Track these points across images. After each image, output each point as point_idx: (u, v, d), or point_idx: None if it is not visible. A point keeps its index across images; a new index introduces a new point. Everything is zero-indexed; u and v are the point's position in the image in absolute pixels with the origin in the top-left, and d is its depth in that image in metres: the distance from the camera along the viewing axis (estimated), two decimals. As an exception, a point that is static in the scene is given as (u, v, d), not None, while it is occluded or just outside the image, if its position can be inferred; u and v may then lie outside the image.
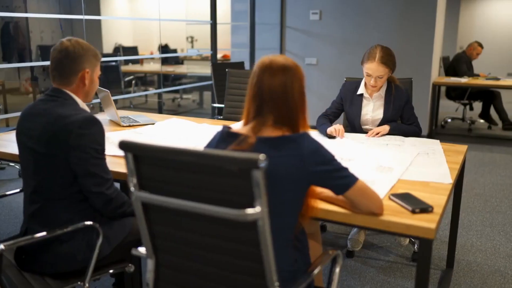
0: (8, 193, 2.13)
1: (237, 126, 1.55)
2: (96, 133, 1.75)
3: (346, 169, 1.48)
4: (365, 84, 2.79)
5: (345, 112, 2.92)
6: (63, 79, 1.83)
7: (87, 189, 1.74)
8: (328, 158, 1.45)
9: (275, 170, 1.39)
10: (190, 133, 2.70)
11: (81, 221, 1.73)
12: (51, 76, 1.85)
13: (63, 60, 1.81)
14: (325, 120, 2.84)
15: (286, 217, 1.45)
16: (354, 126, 2.87)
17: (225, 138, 1.50)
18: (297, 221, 1.50)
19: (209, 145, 1.55)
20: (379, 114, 2.80)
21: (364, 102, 2.83)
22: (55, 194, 1.75)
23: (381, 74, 2.65)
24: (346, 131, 2.88)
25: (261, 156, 1.10)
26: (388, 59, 2.64)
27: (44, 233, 1.68)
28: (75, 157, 1.71)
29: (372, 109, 2.81)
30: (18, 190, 2.15)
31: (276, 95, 1.46)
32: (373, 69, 2.64)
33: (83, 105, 1.89)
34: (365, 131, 2.82)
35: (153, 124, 2.93)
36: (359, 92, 2.83)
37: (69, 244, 1.76)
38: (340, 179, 1.46)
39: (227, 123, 3.02)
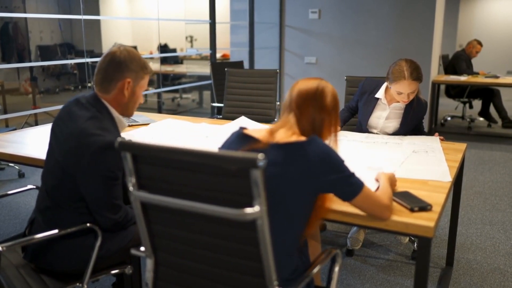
0: (9, 192, 2.12)
1: (254, 127, 1.55)
2: (111, 160, 1.65)
3: (353, 176, 1.46)
4: (386, 90, 2.71)
5: (358, 108, 2.87)
6: (103, 85, 1.76)
7: (94, 211, 1.72)
8: (337, 165, 1.42)
9: (282, 178, 1.39)
10: (185, 134, 2.70)
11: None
12: (94, 81, 1.80)
13: (106, 65, 1.75)
14: (343, 114, 2.92)
15: (292, 225, 1.45)
16: (361, 125, 2.83)
17: (239, 140, 1.50)
18: (303, 230, 1.49)
19: (223, 145, 1.56)
20: (394, 123, 2.72)
21: (379, 106, 2.75)
22: (62, 203, 1.74)
23: (413, 90, 2.56)
24: (353, 129, 2.86)
25: (260, 156, 1.10)
26: (418, 73, 2.53)
27: (43, 234, 1.68)
28: (85, 181, 1.68)
29: (387, 116, 2.73)
30: (17, 190, 2.15)
31: (306, 93, 1.51)
32: (405, 87, 2.52)
33: (118, 119, 1.81)
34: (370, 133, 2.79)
35: (147, 124, 2.92)
36: (377, 95, 2.75)
37: (69, 245, 1.76)
38: (348, 187, 1.45)
39: (226, 122, 3.02)
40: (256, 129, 1.56)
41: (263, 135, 1.49)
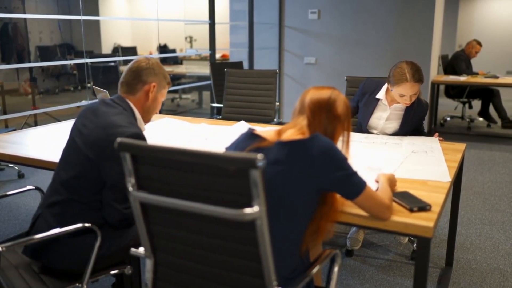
0: (8, 193, 2.12)
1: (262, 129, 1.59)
2: None
3: (356, 174, 1.46)
4: (386, 91, 2.70)
5: (359, 108, 2.86)
6: (129, 88, 1.91)
7: (107, 201, 1.76)
8: (340, 162, 1.43)
9: (285, 175, 1.40)
10: (183, 133, 2.70)
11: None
12: (119, 84, 1.94)
13: (136, 68, 1.92)
14: None
15: (293, 224, 1.45)
16: (361, 126, 2.83)
17: (247, 139, 1.53)
18: (306, 229, 1.49)
19: (231, 145, 1.58)
20: (395, 124, 2.72)
21: (380, 107, 2.75)
22: (78, 196, 1.77)
23: (416, 91, 2.55)
24: (353, 130, 2.85)
25: (259, 156, 1.10)
26: (420, 74, 2.52)
27: (43, 234, 1.68)
28: (108, 167, 1.73)
29: (387, 117, 2.72)
30: (17, 191, 2.14)
31: (318, 102, 1.54)
32: (407, 90, 2.51)
33: (140, 120, 1.93)
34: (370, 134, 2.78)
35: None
36: (378, 96, 2.73)
37: (69, 243, 1.76)
38: (351, 186, 1.45)
39: (225, 122, 3.02)
40: (265, 130, 1.58)
41: (270, 135, 1.52)
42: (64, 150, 1.90)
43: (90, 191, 1.77)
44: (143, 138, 1.77)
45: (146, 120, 2.00)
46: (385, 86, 2.72)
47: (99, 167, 1.74)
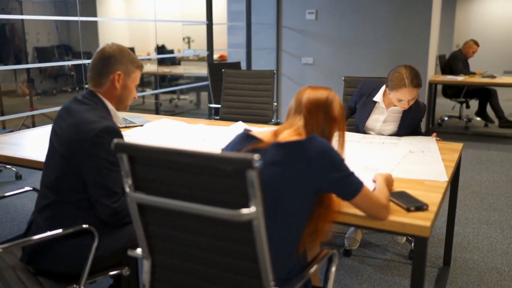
0: (6, 194, 2.12)
1: (258, 130, 1.59)
2: (110, 144, 1.72)
3: (353, 175, 1.46)
4: (384, 93, 2.69)
5: (356, 109, 2.86)
6: (95, 80, 1.87)
7: (94, 199, 1.75)
8: (337, 163, 1.43)
9: (282, 177, 1.40)
10: (180, 134, 2.70)
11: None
12: (88, 79, 1.90)
13: (97, 60, 1.86)
14: None
15: (290, 224, 1.45)
16: (358, 127, 2.83)
17: (243, 140, 1.52)
18: (303, 230, 1.49)
19: (227, 146, 1.58)
20: (392, 126, 2.72)
21: (377, 110, 2.74)
22: (64, 196, 1.77)
23: (414, 96, 2.53)
24: (351, 130, 2.85)
25: (255, 156, 1.10)
26: (418, 79, 2.48)
27: (40, 235, 1.68)
28: (87, 165, 1.72)
29: (384, 119, 2.72)
30: (15, 192, 2.14)
31: (315, 101, 1.54)
32: (406, 95, 2.49)
33: (114, 112, 1.89)
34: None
35: (142, 125, 2.92)
36: (375, 98, 2.72)
37: (65, 246, 1.76)
38: (348, 186, 1.45)
39: (223, 123, 3.02)
40: (261, 130, 1.57)
41: (266, 136, 1.51)
42: (47, 154, 1.88)
43: (74, 190, 1.75)
44: (116, 130, 1.74)
45: (122, 108, 1.95)
46: (383, 88, 2.72)
47: (77, 166, 1.73)
